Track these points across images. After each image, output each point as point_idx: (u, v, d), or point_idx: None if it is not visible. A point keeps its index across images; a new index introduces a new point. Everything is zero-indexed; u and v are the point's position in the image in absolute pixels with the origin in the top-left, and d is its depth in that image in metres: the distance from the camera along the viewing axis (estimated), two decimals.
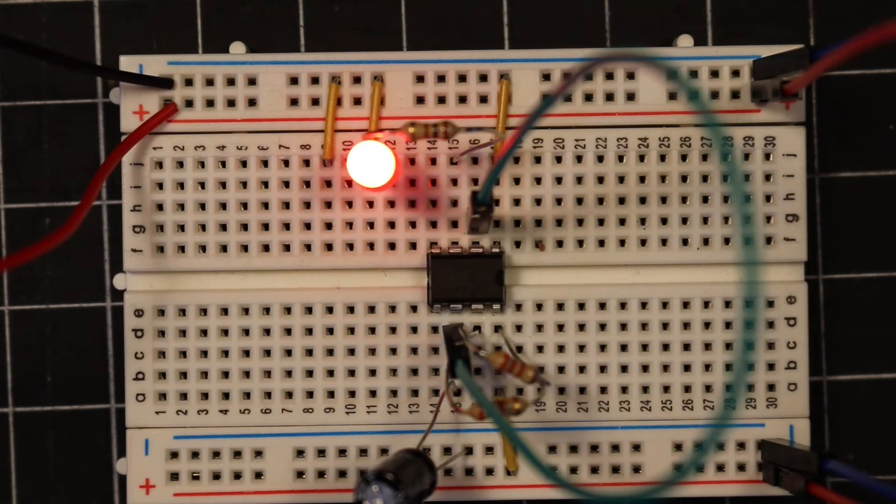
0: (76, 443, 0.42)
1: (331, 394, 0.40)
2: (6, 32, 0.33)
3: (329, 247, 0.40)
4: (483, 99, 0.40)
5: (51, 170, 0.42)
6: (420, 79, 0.40)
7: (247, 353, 0.40)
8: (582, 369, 0.40)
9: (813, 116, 0.42)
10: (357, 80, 0.40)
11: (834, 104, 0.42)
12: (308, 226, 0.40)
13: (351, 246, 0.40)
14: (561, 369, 0.40)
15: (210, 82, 0.40)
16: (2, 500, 0.42)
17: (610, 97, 0.40)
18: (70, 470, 0.42)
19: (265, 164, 0.40)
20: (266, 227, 0.40)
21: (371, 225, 0.40)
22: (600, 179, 0.40)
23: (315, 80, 0.40)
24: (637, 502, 0.30)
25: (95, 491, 0.42)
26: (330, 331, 0.40)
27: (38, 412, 0.42)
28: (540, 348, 0.40)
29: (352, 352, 0.40)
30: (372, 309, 0.40)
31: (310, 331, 0.40)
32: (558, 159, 0.40)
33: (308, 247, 0.40)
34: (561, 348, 0.40)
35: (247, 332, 0.40)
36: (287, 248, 0.40)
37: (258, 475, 0.40)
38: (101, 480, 0.42)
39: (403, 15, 0.42)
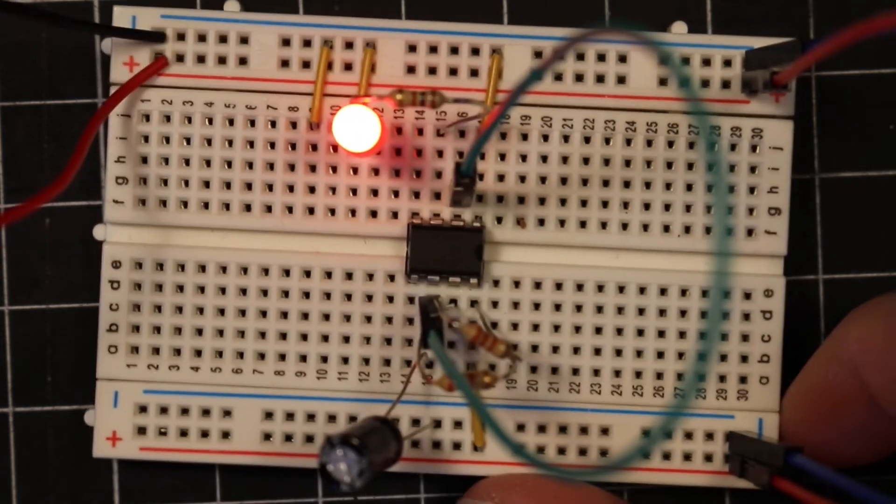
0: (76, 443, 0.42)
1: (303, 358, 0.40)
2: None
3: (311, 210, 0.40)
4: (474, 72, 0.40)
5: (51, 170, 0.42)
6: (412, 48, 0.40)
7: (221, 311, 0.40)
8: (555, 349, 0.40)
9: (813, 116, 0.42)
10: (349, 45, 0.40)
11: (834, 104, 0.42)
12: (291, 188, 0.40)
13: (333, 211, 0.40)
14: (534, 348, 0.40)
15: (202, 38, 0.40)
16: (2, 500, 0.42)
17: (601, 79, 0.40)
18: (70, 470, 0.42)
19: (252, 123, 0.40)
20: (249, 186, 0.40)
21: (354, 191, 0.40)
22: (586, 160, 0.40)
23: (307, 43, 0.40)
24: (602, 476, 0.30)
25: (96, 491, 0.42)
26: (306, 294, 0.40)
27: (38, 412, 0.42)
28: (515, 326, 0.40)
29: (326, 317, 0.40)
30: (349, 276, 0.40)
31: (286, 293, 0.40)
32: (545, 137, 0.40)
33: (290, 209, 0.40)
34: (536, 327, 0.40)
35: (223, 290, 0.40)
36: (269, 209, 0.40)
37: (225, 435, 0.40)
38: (101, 480, 0.42)
39: (403, 13, 0.42)
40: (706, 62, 0.40)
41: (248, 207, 0.40)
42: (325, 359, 0.40)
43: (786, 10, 0.42)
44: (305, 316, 0.40)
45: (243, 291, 0.40)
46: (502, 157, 0.40)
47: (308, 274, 0.40)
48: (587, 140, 0.40)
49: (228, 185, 0.40)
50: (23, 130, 0.42)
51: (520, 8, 0.42)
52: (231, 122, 0.40)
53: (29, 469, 0.42)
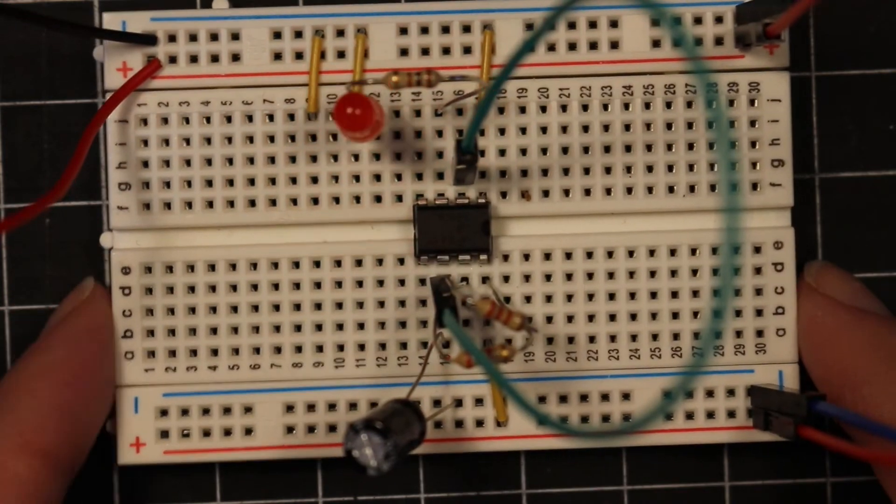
0: None
1: (319, 348, 0.40)
2: None
3: (315, 201, 0.40)
4: (467, 50, 0.40)
5: (51, 170, 0.42)
6: (403, 31, 0.40)
7: (234, 308, 0.40)
8: (570, 319, 0.40)
9: (813, 116, 0.42)
10: (340, 32, 0.40)
11: (834, 104, 0.42)
12: (294, 180, 0.40)
13: (337, 199, 0.40)
14: (549, 319, 0.40)
15: (193, 38, 0.40)
16: None
17: (594, 46, 0.40)
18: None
19: (250, 118, 0.40)
20: (252, 182, 0.40)
21: (357, 178, 0.40)
22: (585, 128, 0.40)
23: (298, 34, 0.40)
24: (624, 436, 0.30)
25: (96, 491, 0.42)
26: (317, 285, 0.40)
27: None
28: (528, 298, 0.40)
29: (339, 305, 0.40)
30: (359, 262, 0.40)
31: (297, 285, 0.40)
32: (543, 109, 0.40)
33: (294, 201, 0.40)
34: (549, 298, 0.40)
35: (234, 287, 0.40)
36: (273, 202, 0.40)
37: (248, 431, 0.40)
38: (101, 480, 0.42)
39: None
40: (698, 20, 0.40)
41: (252, 203, 0.40)
42: (341, 347, 0.40)
43: None
44: (318, 306, 0.40)
45: (254, 287, 0.40)
46: (502, 131, 0.40)
47: (318, 264, 0.40)
48: (585, 108, 0.40)
49: (231, 182, 0.40)
50: (23, 130, 0.42)
51: None
52: (229, 119, 0.40)
53: None
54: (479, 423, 0.40)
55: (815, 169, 0.42)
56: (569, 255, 0.40)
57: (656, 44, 0.40)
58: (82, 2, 0.42)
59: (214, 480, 0.42)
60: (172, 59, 0.40)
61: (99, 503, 0.42)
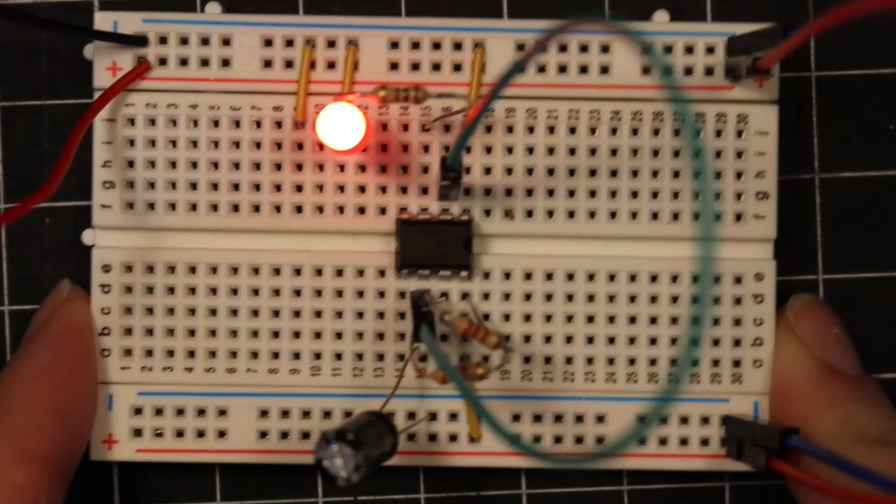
0: None
1: (296, 355, 0.40)
2: None
3: (299, 209, 0.40)
4: (457, 67, 0.40)
5: (51, 170, 0.41)
6: (395, 45, 0.40)
7: (213, 311, 0.40)
8: (548, 339, 0.40)
9: (813, 116, 0.42)
10: (331, 43, 0.40)
11: (834, 104, 0.42)
12: (278, 187, 0.40)
13: (321, 209, 0.40)
14: (527, 339, 0.40)
15: (184, 41, 0.40)
16: None
17: (584, 69, 0.40)
18: None
19: (237, 124, 0.40)
20: (236, 187, 0.40)
21: (341, 188, 0.40)
22: (572, 151, 0.40)
23: (290, 43, 0.40)
24: (597, 462, 0.30)
25: (95, 491, 0.42)
26: (297, 292, 0.40)
27: None
28: (507, 317, 0.40)
29: (318, 314, 0.40)
30: (340, 272, 0.40)
31: (277, 292, 0.40)
32: (530, 129, 0.40)
33: (277, 208, 0.40)
34: (528, 317, 0.40)
35: (214, 291, 0.40)
36: (256, 208, 0.40)
37: (221, 434, 0.40)
38: (101, 480, 0.42)
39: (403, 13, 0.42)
40: (689, 50, 0.40)
41: (236, 208, 0.40)
42: (318, 355, 0.40)
43: (784, 1, 0.42)
44: (297, 313, 0.40)
45: (234, 291, 0.40)
46: (489, 149, 0.40)
47: (298, 272, 0.40)
48: (572, 130, 0.40)
49: (216, 187, 0.40)
50: (23, 130, 0.42)
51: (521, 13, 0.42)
52: (216, 123, 0.40)
53: None
54: (453, 437, 0.40)
55: (815, 169, 0.42)
56: (549, 276, 0.40)
57: (647, 71, 0.40)
58: (82, 1, 0.42)
59: (214, 480, 0.42)
60: (162, 61, 0.40)
61: (99, 502, 0.42)
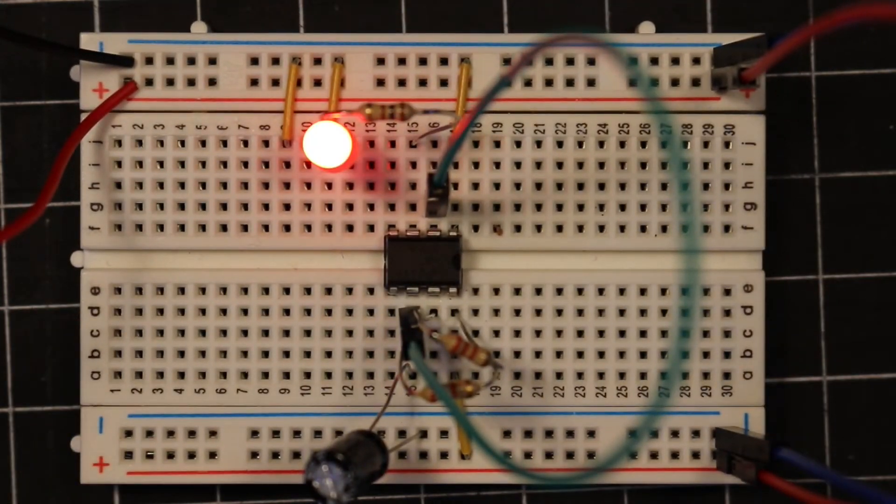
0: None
1: (286, 375, 0.40)
2: None
3: (287, 228, 0.40)
4: (443, 82, 0.40)
5: (50, 170, 0.42)
6: (381, 61, 0.40)
7: (203, 332, 0.40)
8: (538, 354, 0.40)
9: (813, 116, 0.42)
10: (318, 61, 0.40)
11: (834, 104, 0.42)
12: (266, 206, 0.40)
13: (309, 227, 0.40)
14: (517, 354, 0.40)
15: (170, 61, 0.40)
16: (2, 500, 0.42)
17: (570, 83, 0.40)
18: (69, 470, 0.41)
19: (224, 143, 0.40)
20: (224, 206, 0.40)
21: (329, 206, 0.40)
22: (559, 165, 0.40)
23: (275, 61, 0.40)
24: (587, 478, 0.30)
25: (95, 491, 0.42)
26: (286, 312, 0.40)
27: (37, 412, 0.42)
28: (496, 333, 0.40)
29: (308, 333, 0.40)
30: (329, 290, 0.40)
31: (266, 311, 0.40)
32: (517, 144, 0.40)
33: (266, 227, 0.40)
34: (517, 333, 0.40)
35: (203, 311, 0.40)
36: (245, 228, 0.40)
37: (212, 455, 0.40)
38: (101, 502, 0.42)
39: (403, 14, 0.42)
40: (675, 61, 0.40)
41: (224, 227, 0.40)
42: (308, 374, 0.40)
43: (786, 9, 0.42)
44: (287, 333, 0.40)
45: (223, 311, 0.40)
46: (476, 165, 0.40)
47: (287, 291, 0.40)
48: (560, 144, 0.40)
49: (204, 207, 0.40)
50: (23, 130, 0.42)
51: (520, 11, 0.42)
52: (203, 143, 0.40)
53: (29, 469, 0.42)
54: (444, 454, 0.40)
55: (815, 169, 0.42)
56: (539, 291, 0.40)
57: (633, 83, 0.40)
58: (82, 1, 0.42)
59: (215, 500, 0.42)
60: (149, 82, 0.40)
61: (99, 502, 0.42)
